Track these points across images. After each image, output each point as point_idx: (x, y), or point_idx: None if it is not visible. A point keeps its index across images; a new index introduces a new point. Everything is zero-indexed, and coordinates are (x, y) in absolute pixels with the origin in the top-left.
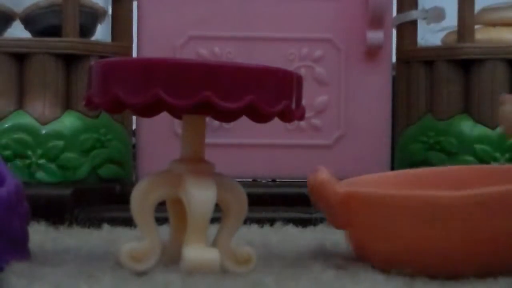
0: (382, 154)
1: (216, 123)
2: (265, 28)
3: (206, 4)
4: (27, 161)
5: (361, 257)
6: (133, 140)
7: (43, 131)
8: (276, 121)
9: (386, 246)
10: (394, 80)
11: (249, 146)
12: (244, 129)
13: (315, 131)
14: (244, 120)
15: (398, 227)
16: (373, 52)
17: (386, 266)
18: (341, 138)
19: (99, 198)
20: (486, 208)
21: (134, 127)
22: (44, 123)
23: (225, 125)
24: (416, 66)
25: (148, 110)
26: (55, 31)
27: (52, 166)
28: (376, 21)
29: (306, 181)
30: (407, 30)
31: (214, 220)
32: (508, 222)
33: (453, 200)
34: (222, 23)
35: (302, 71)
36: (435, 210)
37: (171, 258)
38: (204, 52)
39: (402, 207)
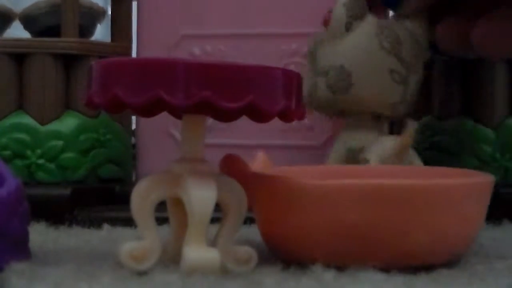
0: None
1: (215, 123)
2: (256, 25)
3: (197, 2)
4: (27, 161)
5: (263, 238)
6: (133, 140)
7: (43, 131)
8: (276, 121)
9: (265, 228)
10: None
11: (250, 146)
12: (244, 129)
13: (307, 131)
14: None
15: (271, 210)
16: None
17: (271, 249)
18: (331, 139)
19: (99, 198)
20: (343, 198)
21: (133, 127)
22: (44, 123)
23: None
24: None
25: (148, 110)
26: (54, 31)
27: (52, 166)
28: None
29: None
30: None
31: (214, 220)
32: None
33: (309, 187)
34: (213, 21)
35: (292, 68)
36: (294, 195)
37: (171, 258)
38: (196, 51)
39: (271, 190)
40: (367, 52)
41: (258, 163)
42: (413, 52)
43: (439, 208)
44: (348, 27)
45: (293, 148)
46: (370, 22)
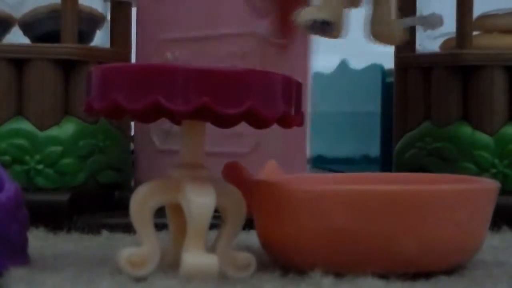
0: (298, 157)
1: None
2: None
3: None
4: (26, 167)
5: (261, 244)
6: (132, 146)
7: (42, 137)
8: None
9: (264, 234)
10: (393, 86)
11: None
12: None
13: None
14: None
15: (268, 216)
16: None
17: (270, 255)
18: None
19: (97, 204)
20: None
21: (132, 133)
22: (43, 129)
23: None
24: (414, 73)
25: (147, 116)
26: (54, 36)
27: (51, 171)
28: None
29: None
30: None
31: (213, 226)
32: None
33: (298, 193)
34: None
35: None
36: (286, 201)
37: (170, 263)
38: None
39: (267, 196)
40: None
41: (267, 170)
42: None
43: (428, 214)
44: None
45: (223, 155)
46: None
